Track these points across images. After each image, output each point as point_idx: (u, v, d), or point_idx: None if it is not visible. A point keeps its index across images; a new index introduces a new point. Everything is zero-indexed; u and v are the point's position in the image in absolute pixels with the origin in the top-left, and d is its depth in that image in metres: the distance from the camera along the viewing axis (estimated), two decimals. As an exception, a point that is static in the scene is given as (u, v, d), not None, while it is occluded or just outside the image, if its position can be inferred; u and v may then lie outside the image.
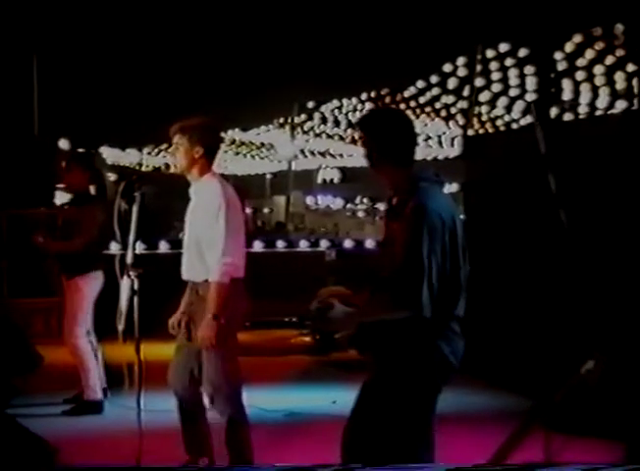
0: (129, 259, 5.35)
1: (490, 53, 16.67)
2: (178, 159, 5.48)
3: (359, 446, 4.13)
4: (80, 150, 8.17)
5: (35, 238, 7.55)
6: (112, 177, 8.77)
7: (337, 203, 25.28)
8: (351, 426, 4.17)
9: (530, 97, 15.83)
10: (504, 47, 16.42)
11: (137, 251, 5.50)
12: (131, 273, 5.31)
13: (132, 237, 5.38)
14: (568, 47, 15.07)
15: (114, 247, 8.84)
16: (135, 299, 5.28)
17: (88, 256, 7.38)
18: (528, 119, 15.67)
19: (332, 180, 26.13)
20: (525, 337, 7.99)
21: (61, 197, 10.75)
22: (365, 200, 25.79)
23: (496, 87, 16.98)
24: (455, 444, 4.32)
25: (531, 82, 15.89)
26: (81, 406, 7.41)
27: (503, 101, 17.05)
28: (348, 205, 25.43)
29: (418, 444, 4.11)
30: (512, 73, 16.44)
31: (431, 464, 4.02)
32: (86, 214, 7.41)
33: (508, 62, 16.45)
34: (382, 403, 4.05)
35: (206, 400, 5.50)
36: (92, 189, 7.56)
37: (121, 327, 5.38)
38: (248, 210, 17.44)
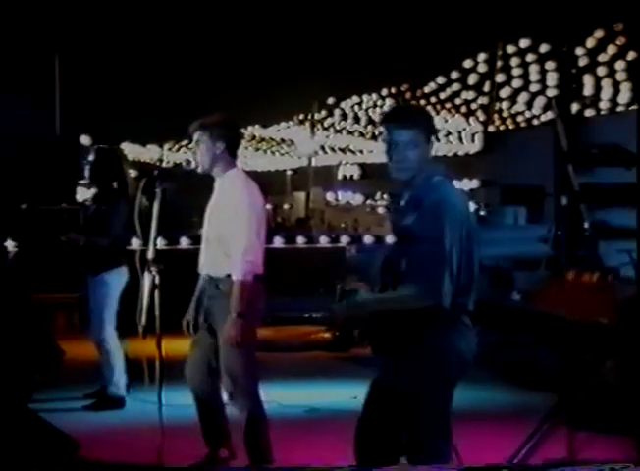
0: (150, 255, 5.37)
1: (511, 49, 16.61)
2: (199, 156, 5.49)
3: (373, 444, 4.14)
4: (103, 146, 8.18)
5: (62, 238, 7.58)
6: (133, 173, 8.78)
7: (357, 199, 25.22)
8: (365, 424, 4.18)
9: (551, 93, 15.76)
10: (524, 43, 16.35)
11: (158, 247, 5.53)
12: (152, 268, 5.33)
13: (153, 233, 5.40)
14: (590, 43, 14.98)
15: (135, 243, 8.86)
16: (157, 295, 5.30)
17: (113, 252, 7.41)
18: (549, 115, 15.60)
19: (352, 176, 26.07)
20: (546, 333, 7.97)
21: (83, 193, 10.79)
22: (385, 196, 25.75)
23: (516, 83, 16.91)
24: (475, 442, 4.31)
25: (552, 78, 15.82)
26: (103, 401, 7.44)
27: (523, 97, 16.97)
28: (368, 201, 25.37)
29: (436, 438, 4.12)
30: (533, 68, 16.36)
31: (447, 465, 4.03)
32: (110, 210, 7.44)
33: (529, 58, 16.39)
34: (397, 399, 4.06)
35: (225, 396, 5.52)
36: (115, 186, 7.58)
37: (142, 322, 5.41)
38: (268, 206, 17.45)
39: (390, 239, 4.44)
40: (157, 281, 5.31)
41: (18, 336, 6.92)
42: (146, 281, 5.39)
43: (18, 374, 6.92)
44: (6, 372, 6.73)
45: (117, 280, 7.44)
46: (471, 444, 4.41)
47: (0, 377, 6.67)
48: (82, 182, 10.68)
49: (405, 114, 4.31)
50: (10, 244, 10.47)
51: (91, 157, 7.77)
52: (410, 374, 4.02)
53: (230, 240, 5.33)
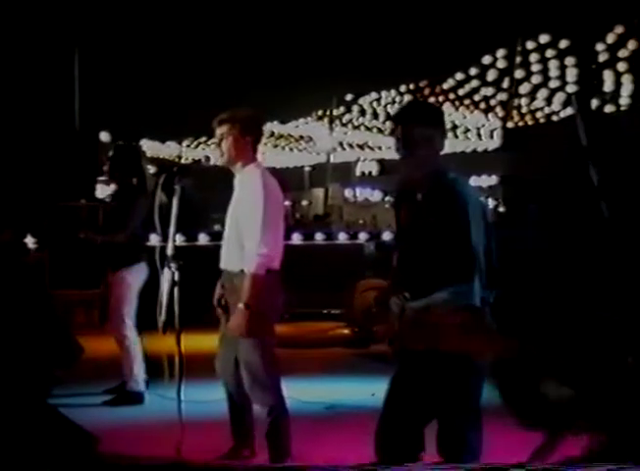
0: (169, 251, 5.38)
1: (530, 44, 16.56)
2: (225, 149, 5.48)
3: (395, 441, 4.13)
4: (122, 143, 8.20)
5: (81, 234, 7.61)
6: (152, 169, 8.81)
7: (375, 196, 25.19)
8: (386, 420, 4.18)
9: (571, 89, 15.70)
10: (544, 38, 16.31)
11: (177, 243, 5.54)
12: (171, 265, 5.34)
13: (172, 229, 5.42)
14: (610, 38, 14.93)
15: (154, 239, 8.89)
16: (176, 291, 5.32)
17: (133, 248, 7.43)
18: (569, 111, 15.54)
19: (370, 172, 26.03)
20: (567, 329, 7.93)
21: (102, 190, 10.83)
22: (394, 193, 25.64)
23: (536, 79, 16.87)
24: (496, 440, 4.29)
25: (572, 74, 15.76)
26: (123, 397, 7.47)
27: (543, 93, 16.93)
28: (387, 198, 25.33)
29: (468, 432, 4.12)
30: (553, 64, 16.31)
31: (468, 465, 4.02)
32: (129, 207, 7.45)
33: (549, 53, 16.33)
34: (421, 395, 4.05)
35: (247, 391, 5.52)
36: (134, 182, 7.60)
37: (161, 318, 5.42)
38: (287, 203, 17.45)
39: (401, 236, 4.41)
40: (176, 277, 5.33)
41: (37, 331, 6.96)
42: (166, 277, 5.41)
43: (37, 369, 6.96)
44: (25, 367, 6.76)
45: (136, 276, 7.45)
46: (490, 444, 4.38)
47: (20, 372, 6.71)
48: (102, 178, 10.73)
49: (416, 111, 4.30)
50: (30, 240, 10.52)
51: (111, 153, 7.79)
52: (441, 368, 4.01)
53: (246, 235, 5.34)
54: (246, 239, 5.33)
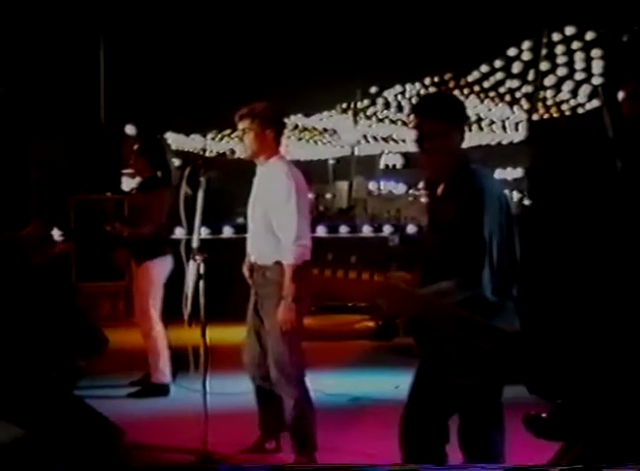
0: (194, 243, 5.40)
1: (556, 36, 16.46)
2: (247, 143, 5.50)
3: (419, 433, 4.13)
4: (148, 136, 8.23)
5: (107, 227, 7.63)
6: (176, 162, 8.83)
7: (399, 189, 25.15)
8: (410, 412, 4.17)
9: (596, 81, 15.61)
10: (570, 30, 16.21)
11: (202, 236, 5.56)
12: (196, 257, 5.36)
13: (197, 222, 5.43)
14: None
15: (179, 232, 8.92)
16: (201, 283, 5.33)
17: (158, 241, 7.44)
18: (595, 103, 15.45)
19: (394, 165, 25.99)
20: (590, 328, 7.89)
21: (127, 183, 10.87)
22: (423, 187, 25.61)
23: (561, 71, 16.78)
24: (515, 440, 4.26)
25: (598, 66, 15.66)
26: (148, 389, 7.50)
27: (568, 85, 16.84)
28: (411, 191, 25.29)
29: (489, 428, 4.11)
30: (578, 56, 16.22)
31: (492, 464, 4.01)
32: (154, 199, 7.47)
33: (575, 45, 16.24)
34: (444, 388, 4.04)
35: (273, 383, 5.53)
36: (159, 175, 7.61)
37: (187, 311, 5.44)
38: (311, 195, 17.48)
39: (427, 229, 4.41)
40: (202, 269, 5.35)
41: (62, 323, 7.01)
42: (191, 269, 5.43)
43: (63, 361, 7.01)
44: (51, 359, 6.81)
45: (161, 268, 7.47)
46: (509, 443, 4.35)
47: (46, 363, 6.76)
48: (127, 171, 10.78)
49: (436, 103, 4.27)
50: (56, 233, 10.57)
51: (136, 146, 7.80)
52: (457, 361, 4.00)
53: (279, 227, 5.33)
54: (279, 231, 5.33)
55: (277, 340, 5.38)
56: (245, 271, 5.63)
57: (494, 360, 3.68)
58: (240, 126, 5.52)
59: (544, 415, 3.17)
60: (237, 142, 5.74)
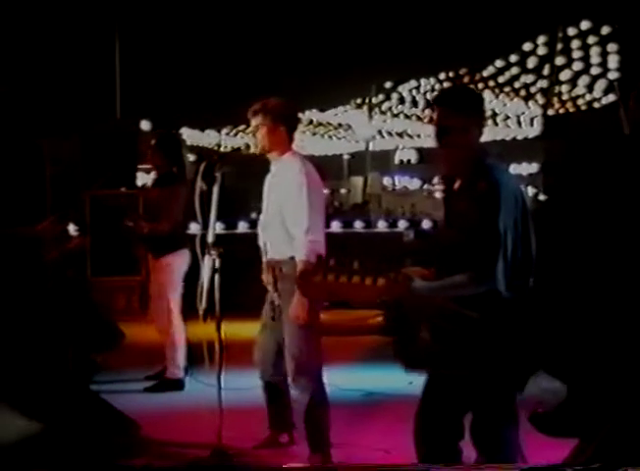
0: (209, 238, 5.41)
1: (571, 31, 16.40)
2: (259, 139, 5.51)
3: (434, 428, 4.12)
4: (164, 131, 8.24)
5: (128, 223, 7.66)
6: (191, 157, 8.84)
7: (414, 184, 25.16)
8: (425, 408, 4.17)
9: (613, 76, 15.55)
10: (585, 25, 16.14)
11: (217, 231, 5.57)
12: (212, 252, 5.37)
13: (212, 217, 5.44)
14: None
15: (194, 227, 8.94)
16: (217, 278, 5.35)
17: (175, 235, 7.46)
18: (611, 98, 15.39)
19: (409, 160, 26.00)
20: (608, 324, 7.86)
21: (143, 178, 10.90)
22: (440, 181, 25.59)
23: (577, 66, 16.72)
24: (531, 439, 4.25)
25: (614, 61, 15.60)
26: (163, 383, 7.52)
27: (584, 80, 16.78)
28: (426, 186, 25.29)
29: (502, 426, 4.10)
30: (594, 51, 16.15)
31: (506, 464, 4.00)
32: (171, 195, 7.48)
33: (590, 40, 16.18)
34: (458, 383, 4.04)
35: (289, 378, 5.54)
36: (174, 170, 7.63)
37: (202, 306, 5.45)
38: (326, 191, 17.50)
39: (442, 224, 4.40)
40: (217, 264, 5.36)
41: (78, 318, 7.04)
42: (206, 264, 5.44)
43: (79, 355, 7.04)
44: (67, 353, 6.84)
45: (181, 261, 7.49)
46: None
47: (62, 358, 6.79)
48: (142, 166, 10.81)
49: (455, 97, 4.25)
50: (71, 228, 10.61)
51: (152, 142, 7.82)
52: (471, 355, 3.99)
53: (292, 222, 5.34)
54: (293, 227, 5.34)
55: (294, 335, 5.38)
56: (265, 272, 5.62)
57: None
58: (254, 122, 5.53)
59: (540, 411, 3.16)
60: (251, 138, 5.73)
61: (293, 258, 5.33)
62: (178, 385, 7.51)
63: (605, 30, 15.87)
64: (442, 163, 4.28)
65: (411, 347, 4.22)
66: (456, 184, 4.16)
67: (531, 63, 18.03)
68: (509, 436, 4.12)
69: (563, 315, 3.76)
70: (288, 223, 5.37)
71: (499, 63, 18.94)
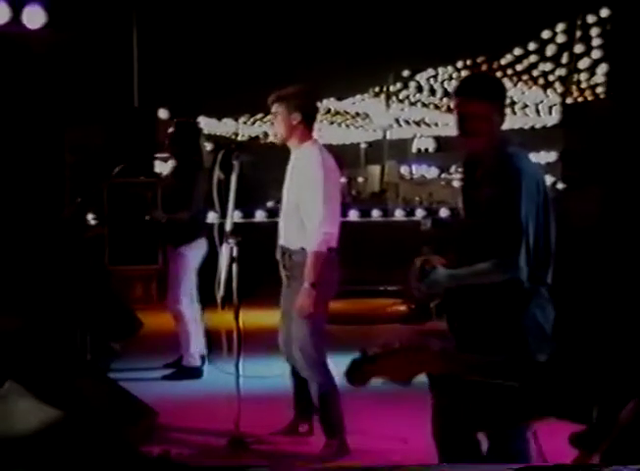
0: (228, 226, 5.42)
1: (590, 18, 16.30)
2: (276, 127, 5.51)
3: (451, 418, 4.11)
4: (183, 119, 8.24)
5: (148, 215, 7.70)
6: (208, 146, 8.84)
7: (431, 173, 25.09)
8: (441, 399, 4.17)
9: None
10: (604, 12, 16.05)
11: (235, 219, 5.57)
12: (230, 240, 5.38)
13: (230, 205, 5.45)
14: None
15: (211, 216, 8.95)
16: (235, 266, 5.36)
17: (193, 225, 7.46)
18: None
19: (427, 149, 25.92)
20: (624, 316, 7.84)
21: (161, 167, 10.92)
22: (460, 170, 25.53)
23: (596, 54, 16.62)
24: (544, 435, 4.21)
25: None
26: (181, 371, 7.54)
27: (603, 68, 16.68)
28: (443, 175, 25.22)
29: (514, 415, 4.08)
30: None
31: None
32: (190, 184, 7.48)
33: (610, 27, 16.07)
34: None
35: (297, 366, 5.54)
36: (193, 159, 7.63)
37: (220, 294, 5.47)
38: (343, 179, 17.49)
39: (463, 213, 4.38)
40: (235, 253, 5.37)
41: (97, 306, 7.07)
42: (224, 253, 5.45)
43: (97, 343, 7.08)
44: (86, 341, 6.88)
45: (196, 253, 7.49)
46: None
47: (80, 346, 6.83)
48: (160, 155, 10.82)
49: (477, 85, 4.23)
50: (90, 217, 10.65)
51: (171, 130, 7.83)
52: (489, 348, 3.98)
53: (306, 213, 5.34)
54: (307, 218, 5.34)
55: (299, 325, 5.38)
56: (278, 256, 5.64)
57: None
58: (273, 109, 5.53)
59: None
60: (269, 126, 5.74)
61: (303, 249, 5.33)
62: (195, 373, 7.52)
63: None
64: (463, 151, 4.27)
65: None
66: (478, 173, 4.15)
67: (550, 51, 17.94)
68: (521, 433, 4.09)
69: (584, 307, 3.74)
70: (302, 213, 5.36)
71: (517, 51, 18.85)
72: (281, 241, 5.55)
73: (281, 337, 5.68)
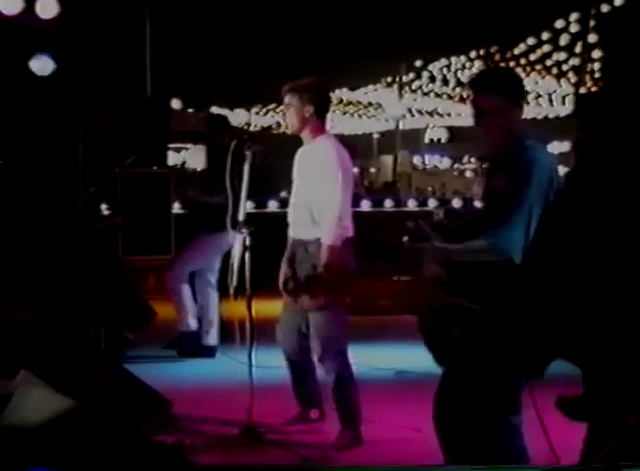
0: (241, 216, 5.43)
1: (605, 7, 16.23)
2: (289, 118, 5.51)
3: (454, 406, 4.12)
4: (214, 112, 8.37)
5: (188, 194, 7.84)
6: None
7: (444, 163, 25.09)
8: (443, 390, 4.18)
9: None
10: (619, 1, 15.97)
11: (248, 209, 5.58)
12: (243, 230, 5.39)
13: (243, 195, 5.46)
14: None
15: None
16: (247, 256, 5.36)
17: (224, 213, 7.49)
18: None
19: (439, 139, 25.91)
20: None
21: (174, 157, 10.95)
22: (473, 160, 25.55)
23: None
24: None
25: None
26: (179, 339, 7.71)
27: (617, 58, 16.55)
28: (456, 165, 25.21)
29: (509, 404, 4.08)
30: (628, 28, 15.95)
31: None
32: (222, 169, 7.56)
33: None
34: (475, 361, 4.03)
35: (315, 358, 5.56)
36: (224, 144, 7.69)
37: (233, 283, 5.48)
38: (355, 170, 17.49)
39: (478, 205, 4.39)
40: (248, 242, 5.38)
41: (111, 296, 7.09)
42: (237, 242, 5.46)
43: (111, 333, 7.10)
44: (100, 331, 6.90)
45: (218, 243, 7.58)
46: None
47: (94, 336, 6.85)
48: (173, 145, 10.85)
49: (493, 78, 4.23)
50: (103, 207, 10.68)
51: (203, 115, 7.97)
52: (484, 334, 3.98)
53: (321, 206, 5.34)
54: (323, 211, 5.35)
55: (322, 317, 5.40)
56: (288, 249, 5.64)
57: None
58: (286, 100, 5.54)
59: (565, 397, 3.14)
60: (281, 117, 5.75)
61: (319, 239, 5.34)
62: (193, 338, 7.72)
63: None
64: (481, 143, 4.27)
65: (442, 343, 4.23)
66: (495, 165, 4.16)
67: (563, 40, 17.89)
68: (513, 422, 4.09)
69: (584, 297, 3.72)
70: (317, 206, 5.37)
71: (530, 40, 18.80)
72: (292, 234, 5.56)
73: (280, 328, 5.70)
